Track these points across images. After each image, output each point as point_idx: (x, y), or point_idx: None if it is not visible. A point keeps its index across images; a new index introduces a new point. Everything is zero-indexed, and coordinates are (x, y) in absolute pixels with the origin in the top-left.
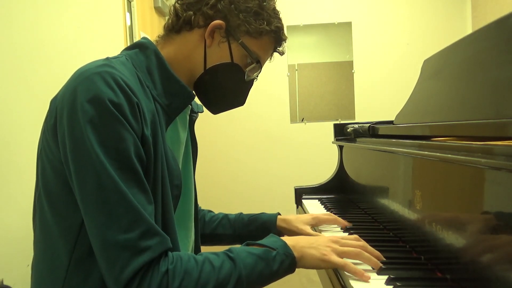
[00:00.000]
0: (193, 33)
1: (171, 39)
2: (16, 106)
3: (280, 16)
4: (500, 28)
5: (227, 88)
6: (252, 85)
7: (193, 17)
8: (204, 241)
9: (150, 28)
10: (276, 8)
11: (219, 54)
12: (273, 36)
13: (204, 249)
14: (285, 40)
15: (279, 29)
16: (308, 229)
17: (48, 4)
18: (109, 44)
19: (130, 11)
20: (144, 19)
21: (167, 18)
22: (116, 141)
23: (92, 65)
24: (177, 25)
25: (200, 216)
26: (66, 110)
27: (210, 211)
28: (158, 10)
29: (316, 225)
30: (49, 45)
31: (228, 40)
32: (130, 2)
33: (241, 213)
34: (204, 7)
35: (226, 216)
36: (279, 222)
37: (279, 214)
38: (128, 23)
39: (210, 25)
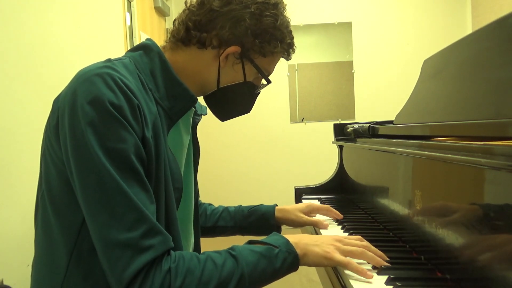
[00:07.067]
0: (205, 52)
1: (179, 48)
2: (17, 106)
3: (291, 27)
4: (500, 28)
5: (238, 102)
6: (259, 93)
7: (206, 39)
8: (207, 233)
9: (150, 28)
10: (288, 20)
11: (232, 75)
12: (285, 53)
13: (207, 242)
14: (294, 50)
15: (290, 45)
16: (304, 217)
17: (48, 4)
18: (109, 44)
19: (130, 11)
20: (144, 19)
21: (168, 19)
22: (116, 142)
23: (93, 67)
24: (186, 39)
25: (202, 210)
26: (67, 111)
27: (210, 204)
28: (158, 10)
29: (310, 212)
30: (49, 45)
31: (242, 61)
32: (130, 2)
33: (241, 206)
34: (220, 30)
35: (226, 209)
36: (277, 213)
37: (276, 205)
38: (128, 23)
39: (226, 50)
